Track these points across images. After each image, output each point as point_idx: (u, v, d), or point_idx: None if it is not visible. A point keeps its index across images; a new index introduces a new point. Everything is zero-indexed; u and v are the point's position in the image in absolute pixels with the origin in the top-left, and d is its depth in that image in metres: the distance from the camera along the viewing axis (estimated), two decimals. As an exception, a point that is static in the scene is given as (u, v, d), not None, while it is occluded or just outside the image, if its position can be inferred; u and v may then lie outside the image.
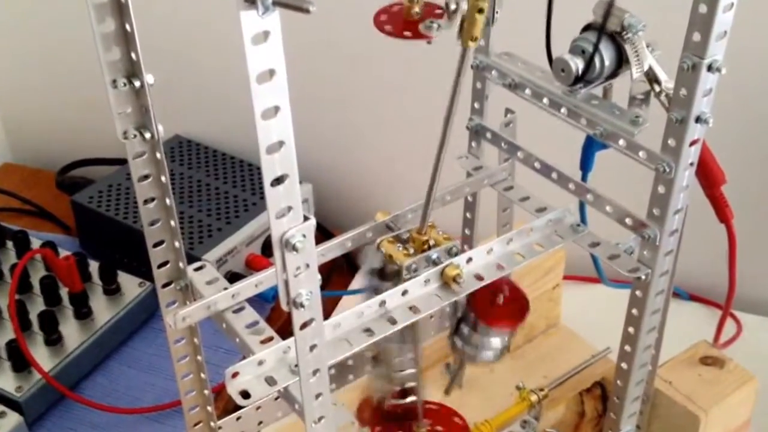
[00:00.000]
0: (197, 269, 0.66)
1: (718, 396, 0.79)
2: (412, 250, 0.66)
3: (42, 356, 0.93)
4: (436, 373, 0.95)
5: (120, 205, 1.08)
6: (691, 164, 0.61)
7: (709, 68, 0.56)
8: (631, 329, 0.69)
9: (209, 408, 0.75)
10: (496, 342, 0.79)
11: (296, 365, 0.56)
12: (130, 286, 1.02)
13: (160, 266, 0.64)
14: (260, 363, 0.58)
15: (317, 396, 0.55)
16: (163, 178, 0.60)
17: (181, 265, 0.65)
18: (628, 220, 0.65)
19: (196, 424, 0.75)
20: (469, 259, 0.64)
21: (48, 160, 1.31)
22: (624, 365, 0.71)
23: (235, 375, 0.57)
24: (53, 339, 0.94)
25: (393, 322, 0.61)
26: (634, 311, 0.68)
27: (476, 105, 0.75)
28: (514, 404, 0.86)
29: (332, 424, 0.56)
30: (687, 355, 0.83)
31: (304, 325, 0.49)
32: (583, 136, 0.72)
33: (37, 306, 0.98)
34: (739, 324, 1.01)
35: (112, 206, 1.08)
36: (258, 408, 0.78)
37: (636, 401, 0.73)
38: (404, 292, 0.62)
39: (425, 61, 0.92)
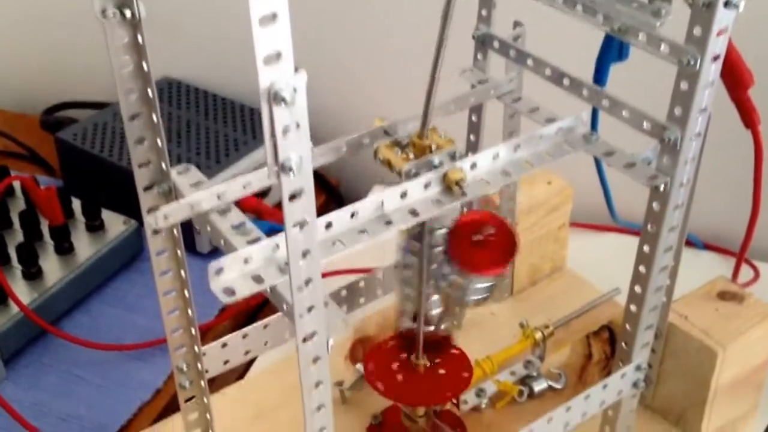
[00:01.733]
0: (181, 172, 0.61)
1: (736, 331, 0.74)
2: (412, 156, 0.62)
3: (21, 290, 0.88)
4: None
5: (106, 143, 1.03)
6: (717, 58, 0.56)
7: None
8: (646, 248, 0.64)
9: (196, 348, 0.71)
10: (483, 282, 0.74)
11: (286, 263, 0.51)
12: (115, 223, 0.97)
13: (141, 166, 0.59)
14: (246, 261, 0.52)
15: (307, 282, 0.49)
16: (144, 66, 0.55)
17: (163, 166, 0.60)
18: (646, 124, 0.60)
19: (181, 365, 0.71)
20: (474, 165, 0.59)
21: (32, 105, 1.26)
22: (638, 288, 0.66)
23: (219, 271, 0.52)
24: (32, 273, 0.89)
25: (389, 223, 0.56)
26: (650, 227, 0.63)
27: (483, 12, 0.70)
28: (517, 342, 0.81)
29: (323, 319, 0.51)
30: (704, 290, 0.78)
31: (293, 197, 0.44)
32: (596, 51, 0.68)
33: (16, 239, 0.93)
34: (756, 271, 0.96)
35: (97, 144, 1.03)
36: (245, 336, 0.73)
37: (649, 330, 0.68)
38: (403, 195, 0.57)
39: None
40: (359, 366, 0.82)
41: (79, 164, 1.04)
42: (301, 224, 0.45)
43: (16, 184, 1.00)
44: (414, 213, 0.57)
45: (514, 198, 0.84)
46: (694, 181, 0.63)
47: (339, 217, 0.54)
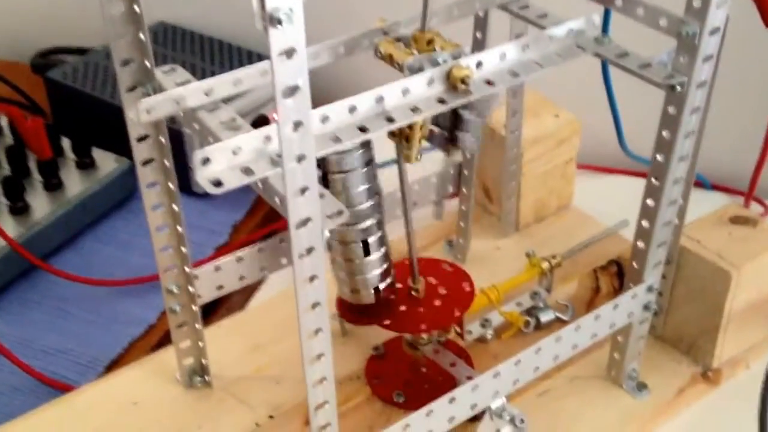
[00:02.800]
0: (167, 72, 0.58)
1: (751, 253, 0.70)
2: (415, 51, 0.58)
3: (7, 225, 0.85)
4: (437, 249, 0.87)
5: (98, 82, 1.00)
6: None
7: None
8: (660, 158, 0.61)
9: (187, 269, 0.68)
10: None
11: (278, 155, 0.48)
12: (106, 161, 0.94)
13: (123, 64, 0.56)
14: (235, 152, 0.49)
15: (302, 191, 0.46)
16: (136, 9, 0.52)
17: (147, 63, 0.57)
18: (662, 21, 0.57)
19: (171, 287, 0.68)
20: (479, 63, 0.56)
21: (23, 52, 1.23)
22: (650, 202, 0.63)
23: (205, 161, 0.48)
24: (19, 207, 0.86)
25: (391, 120, 0.53)
26: (665, 134, 0.60)
27: None
28: (524, 271, 0.78)
29: (319, 223, 0.47)
30: (716, 215, 0.75)
31: (284, 54, 0.41)
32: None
33: (1, 174, 0.90)
34: (766, 207, 0.93)
35: (88, 83, 1.00)
36: (239, 260, 0.70)
37: (661, 248, 0.65)
38: (405, 91, 0.54)
39: None
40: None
41: (70, 104, 1.01)
42: (293, 90, 0.42)
43: (3, 121, 0.96)
44: (416, 110, 0.54)
45: (520, 128, 0.81)
46: (711, 86, 0.60)
47: (336, 110, 0.51)
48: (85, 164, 0.92)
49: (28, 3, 1.25)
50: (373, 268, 0.64)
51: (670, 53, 0.59)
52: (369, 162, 0.61)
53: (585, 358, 0.75)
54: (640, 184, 0.64)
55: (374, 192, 0.62)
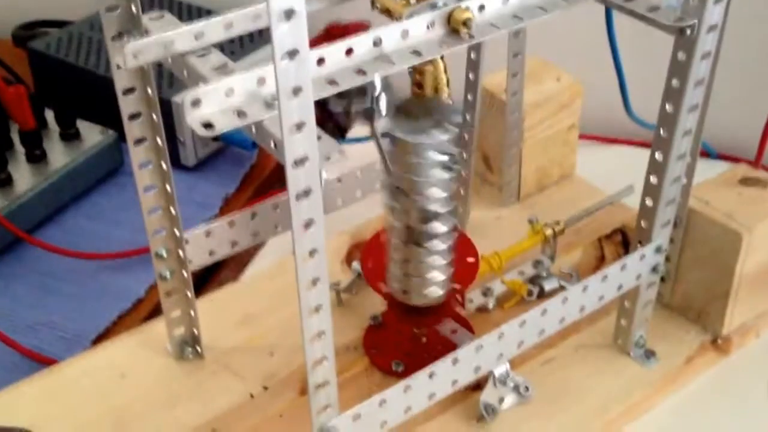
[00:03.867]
0: (155, 18, 0.55)
1: (762, 214, 0.68)
2: (413, 1, 0.56)
3: (-12, 198, 0.82)
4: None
5: (81, 52, 0.97)
6: None
7: None
8: (669, 107, 0.58)
9: (177, 231, 0.65)
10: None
11: (274, 97, 0.45)
12: (91, 133, 0.91)
13: (109, 10, 0.54)
14: (227, 94, 0.46)
15: (299, 127, 0.43)
16: None
17: (133, 9, 0.54)
18: (671, -39, 0.55)
19: (160, 251, 0.65)
20: (482, 7, 0.53)
21: (2, 25, 1.19)
22: (658, 155, 0.60)
23: (196, 103, 0.45)
24: (1, 179, 0.83)
25: (390, 63, 0.50)
26: (674, 82, 0.57)
27: None
28: (526, 238, 0.75)
29: (316, 164, 0.45)
30: (725, 177, 0.73)
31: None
32: None
33: (-17, 145, 0.87)
34: (773, 173, 0.91)
35: (72, 53, 0.97)
36: (231, 224, 0.67)
37: (670, 206, 0.63)
38: (404, 34, 0.51)
39: None
40: (356, 264, 0.76)
41: (54, 75, 0.97)
42: (288, 14, 0.39)
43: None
44: (417, 53, 0.51)
45: (521, 91, 0.78)
46: (722, 31, 0.57)
47: (332, 53, 0.48)
48: (70, 136, 0.89)
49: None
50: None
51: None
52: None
53: (590, 327, 0.73)
54: (645, 154, 0.62)
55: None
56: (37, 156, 0.86)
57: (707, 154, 0.96)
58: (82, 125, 0.91)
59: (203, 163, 0.94)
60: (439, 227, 0.61)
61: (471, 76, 0.75)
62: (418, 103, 0.60)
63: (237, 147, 0.94)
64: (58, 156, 0.88)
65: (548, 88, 0.83)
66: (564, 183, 0.88)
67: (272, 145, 0.48)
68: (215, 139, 0.91)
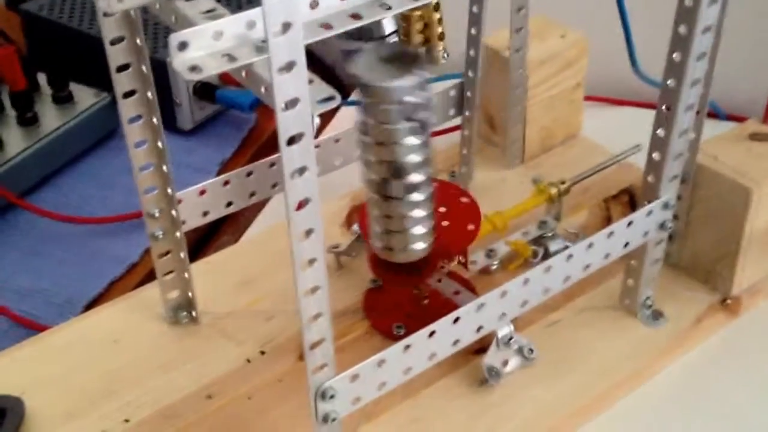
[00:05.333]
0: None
1: (773, 169, 0.66)
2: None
3: (-22, 160, 0.80)
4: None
5: (75, 13, 0.94)
6: None
7: None
8: (676, 55, 0.56)
9: (169, 190, 0.63)
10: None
11: (264, 41, 0.43)
12: (85, 96, 0.89)
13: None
14: (215, 37, 0.44)
15: (289, 66, 0.41)
16: None
17: (120, -48, 0.52)
18: None
19: (152, 210, 0.63)
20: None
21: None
22: (665, 107, 0.58)
23: (182, 46, 0.43)
24: (-9, 141, 0.81)
25: (388, 8, 0.48)
26: (682, 29, 0.55)
27: None
28: (530, 197, 0.73)
29: (307, 106, 0.42)
30: (733, 132, 0.70)
31: None
32: None
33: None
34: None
35: (65, 14, 0.94)
36: (226, 183, 0.66)
37: (678, 160, 0.61)
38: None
39: None
40: (356, 227, 0.74)
41: (47, 36, 0.95)
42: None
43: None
44: (414, -4, 0.49)
45: (525, 47, 0.76)
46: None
47: (325, -7, 0.46)
48: (62, 98, 0.87)
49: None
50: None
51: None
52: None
53: (596, 289, 0.71)
54: (653, 115, 0.59)
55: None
56: (28, 118, 0.84)
57: (716, 114, 0.93)
58: (75, 88, 0.89)
59: (200, 126, 0.92)
60: (414, 178, 0.57)
61: (473, 30, 0.73)
62: (392, 51, 0.57)
63: (235, 110, 0.92)
64: (51, 119, 0.86)
65: (553, 45, 0.80)
66: (569, 143, 0.86)
67: (262, 89, 0.46)
68: (213, 101, 0.89)
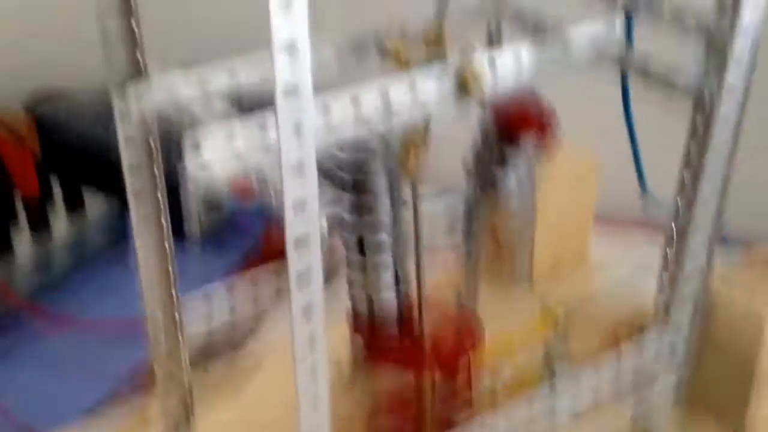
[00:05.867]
0: (160, 69, 0.54)
1: (786, 294, 0.65)
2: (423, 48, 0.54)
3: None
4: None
5: (89, 120, 0.96)
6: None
7: None
8: (687, 175, 0.56)
9: (176, 316, 0.62)
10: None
11: (275, 143, 0.43)
12: (96, 202, 0.91)
13: (113, 55, 0.52)
14: (229, 138, 0.45)
15: (299, 166, 0.41)
16: None
17: (138, 56, 0.53)
18: (690, 21, 0.53)
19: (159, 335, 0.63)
20: (493, 61, 0.52)
21: (15, 95, 1.19)
22: (676, 228, 0.58)
23: (196, 146, 0.44)
24: (3, 247, 0.81)
25: (397, 116, 0.48)
26: (693, 147, 0.56)
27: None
28: (537, 319, 0.72)
29: (315, 208, 0.42)
30: (746, 258, 0.70)
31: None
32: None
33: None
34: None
35: (80, 120, 0.96)
36: (231, 289, 0.65)
37: (689, 282, 0.60)
38: (412, 86, 0.49)
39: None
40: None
41: (61, 142, 0.97)
42: (291, 46, 0.37)
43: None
44: (424, 107, 0.49)
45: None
46: (744, 98, 0.55)
47: (337, 101, 0.47)
48: (74, 204, 0.88)
49: (20, 45, 1.23)
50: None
51: (697, 62, 0.55)
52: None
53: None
54: (662, 239, 0.60)
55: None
56: (39, 224, 0.85)
57: (727, 239, 0.93)
58: (87, 194, 0.90)
59: (207, 235, 0.92)
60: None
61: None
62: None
63: (243, 219, 0.92)
64: (61, 224, 0.87)
65: (563, 164, 0.81)
66: (578, 266, 0.86)
67: (271, 191, 0.45)
68: (221, 209, 0.90)
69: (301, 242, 0.42)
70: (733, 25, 0.51)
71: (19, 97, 1.16)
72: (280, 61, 0.38)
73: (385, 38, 0.54)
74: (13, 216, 0.86)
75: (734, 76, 0.53)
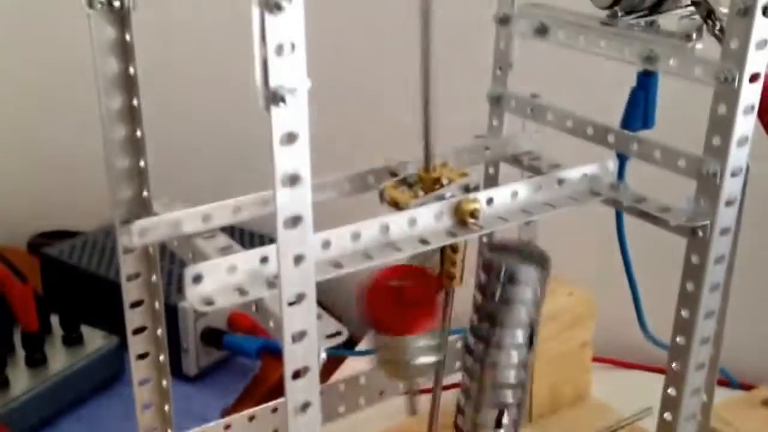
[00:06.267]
0: (166, 203, 0.55)
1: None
2: (421, 193, 0.56)
3: (-19, 399, 0.79)
4: None
5: (91, 259, 0.97)
6: (757, 77, 0.51)
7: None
8: (684, 312, 0.57)
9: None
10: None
11: (275, 276, 0.44)
12: (94, 337, 0.90)
13: (120, 195, 0.53)
14: (230, 271, 0.45)
15: (299, 298, 0.42)
16: (131, 70, 0.51)
17: (145, 193, 0.54)
18: (681, 162, 0.55)
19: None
20: (490, 200, 0.53)
21: (19, 235, 1.21)
22: (676, 365, 0.58)
23: (197, 279, 0.44)
24: (-3, 380, 0.81)
25: (398, 249, 0.49)
26: (689, 286, 0.56)
27: (498, 71, 0.66)
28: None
29: (314, 340, 0.43)
30: (746, 398, 0.70)
31: (286, 140, 0.38)
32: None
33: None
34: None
35: (82, 258, 0.97)
36: (227, 427, 0.64)
37: (690, 421, 0.60)
38: (411, 222, 0.51)
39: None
40: None
41: (63, 279, 0.98)
42: (293, 179, 0.39)
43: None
44: (424, 242, 0.50)
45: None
46: (736, 236, 0.56)
47: (339, 236, 0.48)
48: (73, 340, 0.88)
49: (24, 187, 1.25)
50: None
51: (689, 202, 0.56)
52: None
53: None
54: (662, 379, 0.59)
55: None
56: (36, 359, 0.85)
57: (728, 382, 0.92)
58: (86, 330, 0.90)
59: (204, 372, 0.91)
60: None
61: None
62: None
63: (241, 356, 0.92)
64: (59, 360, 0.86)
65: (560, 302, 0.81)
66: (578, 404, 0.85)
67: (271, 323, 0.46)
68: (219, 347, 0.90)
69: (300, 374, 0.42)
70: (723, 167, 0.52)
71: (23, 236, 1.18)
72: (282, 193, 0.39)
73: (382, 187, 0.55)
74: (10, 350, 0.86)
75: (727, 217, 0.54)
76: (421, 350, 0.59)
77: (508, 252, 0.60)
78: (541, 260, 0.59)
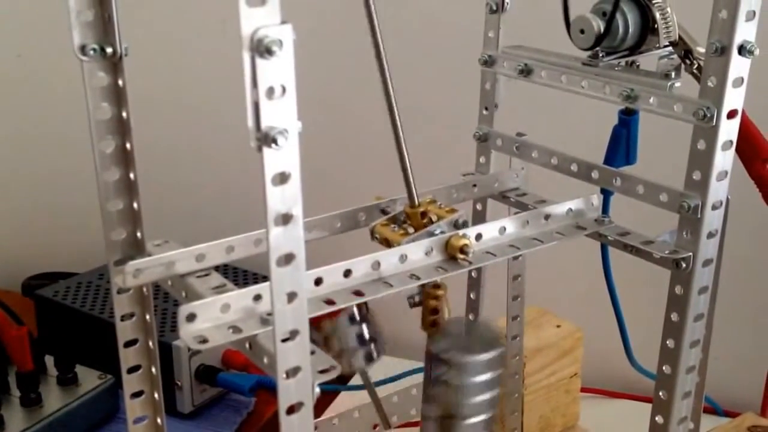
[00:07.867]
0: (159, 244, 0.56)
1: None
2: (411, 230, 0.57)
3: (-24, 440, 0.80)
4: None
5: (85, 299, 0.98)
6: (734, 114, 0.53)
7: None
8: (670, 342, 0.58)
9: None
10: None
11: (269, 314, 0.45)
12: (89, 377, 0.90)
13: (113, 235, 0.54)
14: (223, 309, 0.46)
15: (292, 335, 0.43)
16: (124, 114, 0.52)
17: (138, 235, 0.55)
18: (663, 197, 0.56)
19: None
20: (479, 236, 0.54)
21: (13, 279, 1.22)
22: (663, 394, 0.59)
23: (191, 317, 0.45)
24: (-7, 421, 0.81)
25: (389, 285, 0.51)
26: (674, 316, 0.57)
27: (485, 111, 0.68)
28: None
29: (309, 376, 0.44)
30: (732, 425, 0.71)
31: (278, 180, 0.39)
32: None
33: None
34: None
35: (76, 299, 0.98)
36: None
37: None
38: (402, 258, 0.52)
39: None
40: None
41: (58, 320, 0.99)
42: (285, 218, 0.40)
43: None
44: (415, 277, 0.52)
45: (521, 334, 0.78)
46: (718, 267, 0.58)
47: (330, 273, 0.49)
48: (67, 380, 0.88)
49: (18, 230, 1.26)
50: None
51: (673, 233, 0.57)
52: None
53: None
54: (649, 408, 0.60)
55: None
56: (32, 399, 0.85)
57: (714, 410, 0.93)
58: (81, 370, 0.90)
59: (199, 410, 0.92)
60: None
61: (470, 316, 0.75)
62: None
63: (235, 393, 0.92)
64: (54, 400, 0.86)
65: (548, 334, 0.83)
66: (569, 436, 0.86)
67: (265, 360, 0.47)
68: (213, 384, 0.90)
69: (294, 410, 0.43)
70: (704, 201, 0.54)
71: (17, 279, 1.19)
72: (275, 232, 0.40)
73: (373, 226, 0.56)
74: (6, 390, 0.87)
75: (709, 249, 0.56)
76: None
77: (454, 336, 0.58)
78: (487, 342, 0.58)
